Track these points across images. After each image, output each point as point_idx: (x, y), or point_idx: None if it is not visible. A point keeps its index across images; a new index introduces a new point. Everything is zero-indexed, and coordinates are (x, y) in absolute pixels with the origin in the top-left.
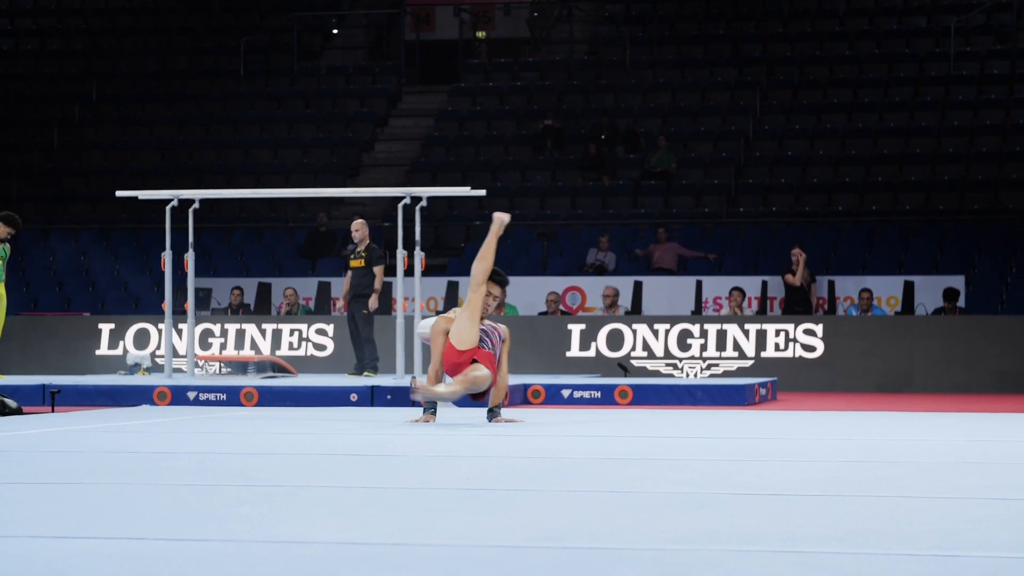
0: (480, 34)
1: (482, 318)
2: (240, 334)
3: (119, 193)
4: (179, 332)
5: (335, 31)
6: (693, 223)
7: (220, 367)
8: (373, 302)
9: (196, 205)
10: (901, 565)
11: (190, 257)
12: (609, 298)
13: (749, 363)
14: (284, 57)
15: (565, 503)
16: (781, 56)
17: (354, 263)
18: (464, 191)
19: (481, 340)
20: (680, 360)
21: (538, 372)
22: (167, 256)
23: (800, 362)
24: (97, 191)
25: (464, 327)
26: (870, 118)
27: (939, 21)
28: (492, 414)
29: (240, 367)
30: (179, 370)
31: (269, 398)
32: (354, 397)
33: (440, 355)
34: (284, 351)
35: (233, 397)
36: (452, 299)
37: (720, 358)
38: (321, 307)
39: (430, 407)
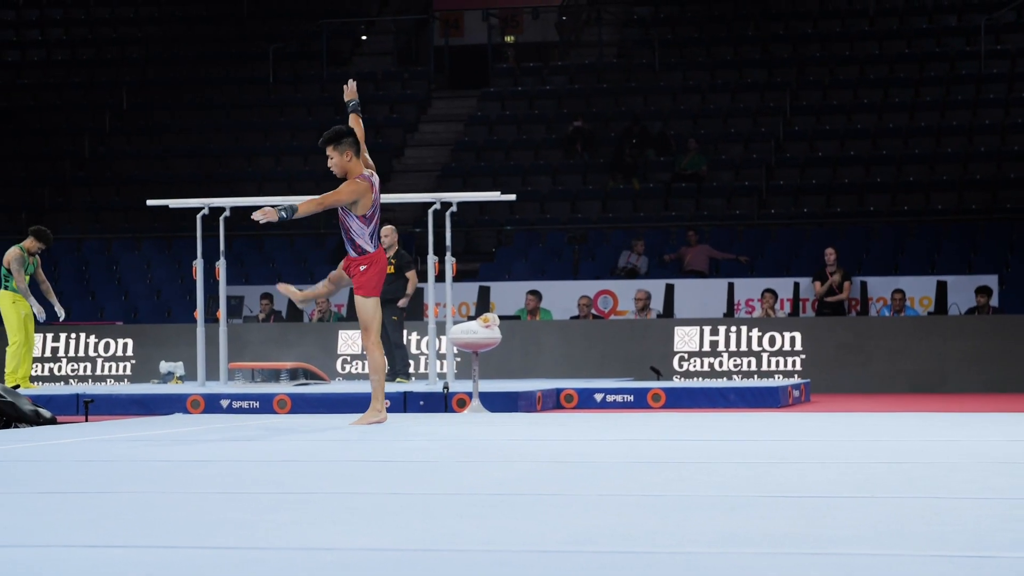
0: (509, 38)
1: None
2: (272, 341)
3: (150, 202)
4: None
5: (364, 37)
6: (724, 225)
7: (253, 375)
8: (403, 303)
9: (227, 213)
10: (932, 566)
11: (221, 265)
12: (641, 301)
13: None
14: (313, 64)
15: (595, 507)
16: (811, 56)
17: None
18: (494, 196)
19: None
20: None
21: (571, 376)
22: (198, 264)
23: (834, 363)
24: (128, 200)
25: None
26: (901, 117)
27: (969, 19)
28: None
29: (273, 374)
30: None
31: (302, 405)
32: (386, 403)
33: None
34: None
35: (266, 405)
36: (484, 304)
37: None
38: (353, 314)
39: None
